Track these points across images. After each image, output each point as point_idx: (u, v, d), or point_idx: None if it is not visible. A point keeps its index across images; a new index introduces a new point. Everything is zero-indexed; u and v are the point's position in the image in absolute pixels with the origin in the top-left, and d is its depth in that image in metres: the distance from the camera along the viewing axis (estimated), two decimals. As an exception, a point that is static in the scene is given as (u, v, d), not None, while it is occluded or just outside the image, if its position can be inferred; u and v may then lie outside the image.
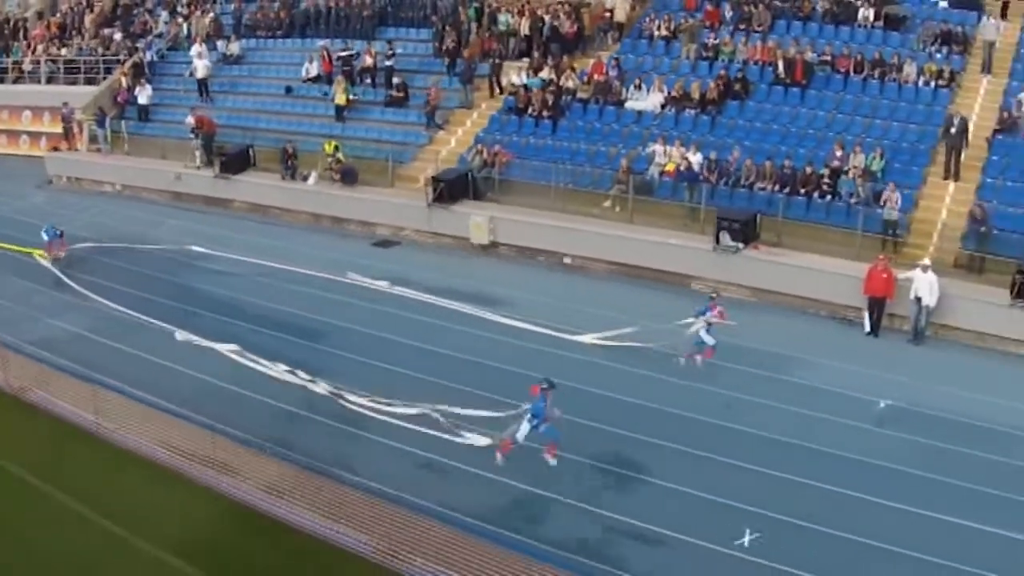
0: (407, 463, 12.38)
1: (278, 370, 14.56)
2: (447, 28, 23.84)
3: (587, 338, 15.79)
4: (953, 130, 18.71)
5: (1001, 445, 12.98)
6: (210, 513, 11.35)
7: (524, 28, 23.27)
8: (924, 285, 16.27)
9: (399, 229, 20.82)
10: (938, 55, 21.21)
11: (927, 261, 16.38)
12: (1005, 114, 19.76)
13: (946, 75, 20.49)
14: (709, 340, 15.15)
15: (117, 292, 17.91)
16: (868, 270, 16.45)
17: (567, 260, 19.24)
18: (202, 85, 25.71)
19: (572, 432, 12.44)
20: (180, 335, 15.91)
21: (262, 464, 11.64)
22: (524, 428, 12.34)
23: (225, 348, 15.30)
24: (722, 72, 21.25)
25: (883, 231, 17.79)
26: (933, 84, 20.38)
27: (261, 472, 11.56)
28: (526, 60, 22.99)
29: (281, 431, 12.97)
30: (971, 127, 19.60)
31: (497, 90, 22.85)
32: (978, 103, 20.47)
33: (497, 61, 23.10)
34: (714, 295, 15.90)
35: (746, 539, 10.82)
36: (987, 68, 21.14)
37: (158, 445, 12.28)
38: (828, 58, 21.28)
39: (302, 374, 14.47)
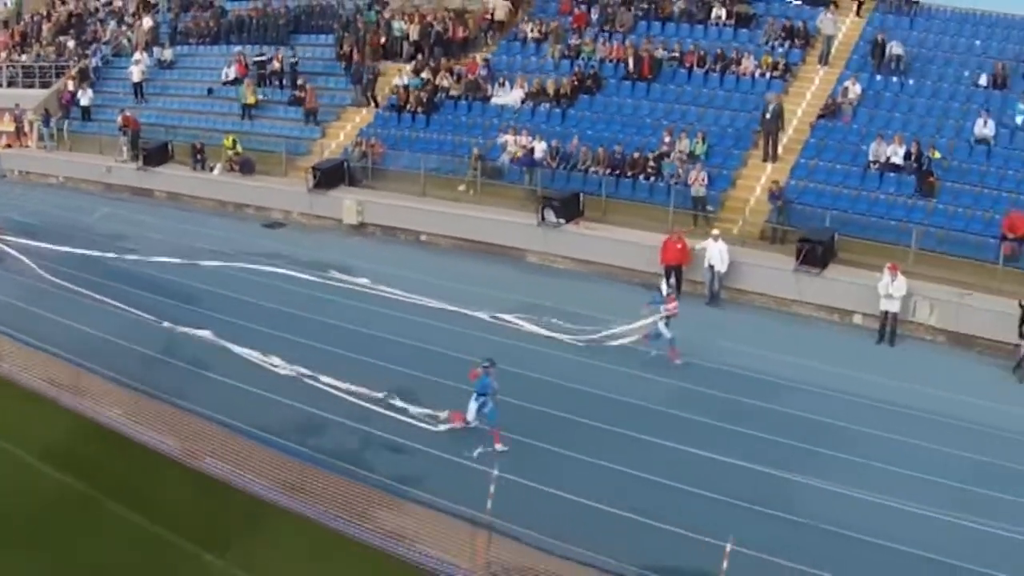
0: (234, 395, 13.94)
1: (163, 325, 16.14)
2: (346, 34, 25.76)
3: (429, 302, 17.29)
4: (768, 116, 20.29)
5: (772, 394, 14.29)
6: (69, 427, 13.26)
7: (414, 34, 25.12)
8: (715, 253, 17.98)
9: (288, 212, 22.77)
10: (780, 49, 22.76)
11: (717, 232, 18.07)
12: (830, 100, 21.39)
13: (781, 67, 22.13)
14: (667, 333, 15.32)
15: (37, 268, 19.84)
16: (664, 241, 18.10)
17: (423, 237, 21.10)
18: (138, 88, 27.90)
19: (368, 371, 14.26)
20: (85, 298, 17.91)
21: (113, 392, 13.44)
22: (472, 407, 12.80)
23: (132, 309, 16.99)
24: (577, 69, 22.96)
25: (694, 207, 19.51)
26: (768, 75, 21.93)
27: (112, 398, 13.35)
28: (414, 62, 24.61)
29: (144, 371, 14.50)
30: (799, 113, 21.10)
31: (371, 98, 24.13)
32: (811, 92, 21.91)
33: (374, 65, 24.52)
34: (670, 289, 16.13)
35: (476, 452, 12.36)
36: (824, 60, 22.62)
37: (37, 377, 14.27)
38: (677, 54, 22.96)
39: (185, 328, 16.06)
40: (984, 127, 20.06)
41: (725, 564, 9.24)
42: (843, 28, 23.37)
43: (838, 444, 13.21)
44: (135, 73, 27.96)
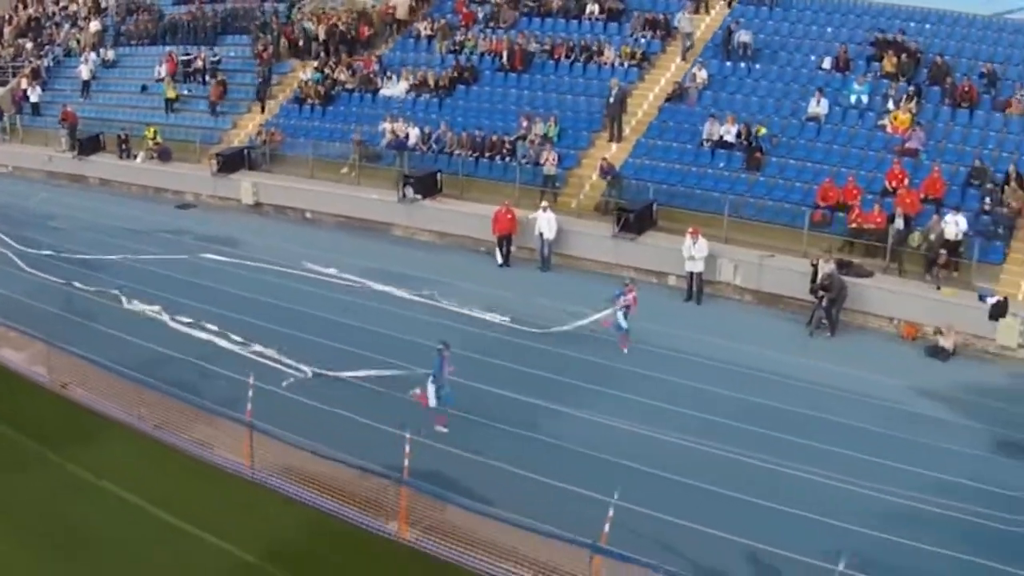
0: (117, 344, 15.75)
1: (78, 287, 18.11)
2: (260, 36, 27.69)
3: (306, 269, 19.29)
4: (612, 100, 21.82)
5: (580, 344, 15.86)
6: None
7: (322, 33, 26.87)
8: (544, 223, 19.60)
9: (198, 195, 24.64)
10: (642, 40, 24.32)
11: (545, 204, 19.69)
12: (677, 85, 22.90)
13: (639, 56, 23.64)
14: (624, 324, 15.96)
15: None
16: (495, 213, 19.72)
17: (308, 215, 22.88)
18: (86, 85, 29.90)
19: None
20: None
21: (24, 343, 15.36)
22: (430, 390, 13.23)
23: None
24: (456, 62, 24.59)
25: (543, 184, 21.05)
26: (626, 65, 23.50)
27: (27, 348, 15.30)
28: (318, 59, 26.37)
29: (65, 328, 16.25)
30: (650, 98, 22.50)
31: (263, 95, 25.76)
32: (664, 79, 23.34)
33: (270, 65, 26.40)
34: (628, 281, 16.63)
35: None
36: (683, 56, 23.80)
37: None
38: (548, 47, 24.55)
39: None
40: (816, 106, 21.50)
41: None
42: (706, 21, 24.61)
43: (620, 385, 14.83)
44: (84, 72, 29.96)
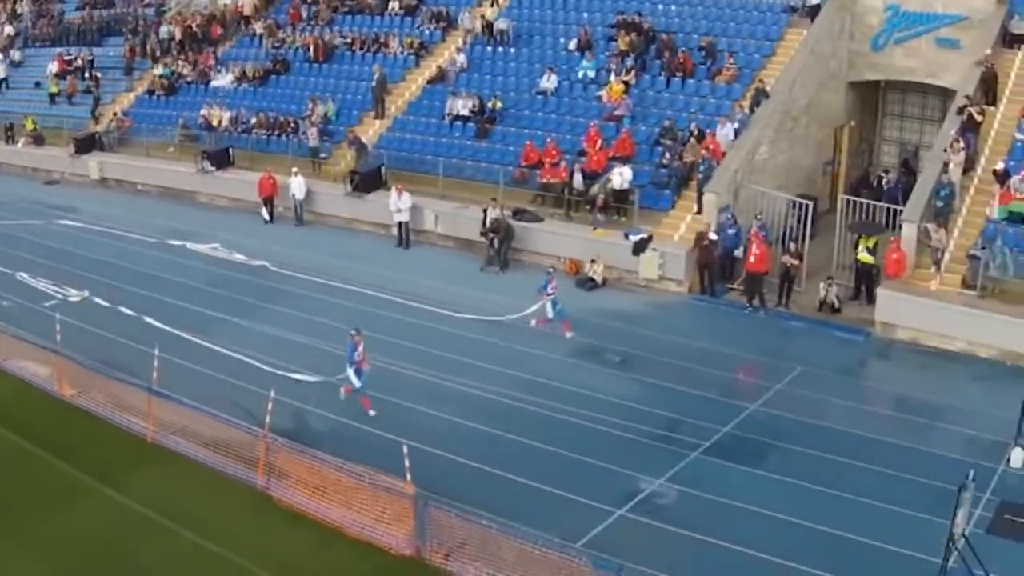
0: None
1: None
2: (130, 38, 31.96)
3: (131, 233, 23.41)
4: (375, 83, 25.43)
5: (322, 289, 19.62)
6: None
7: (178, 35, 30.99)
8: (296, 186, 23.40)
9: (62, 173, 28.94)
10: (426, 31, 27.85)
11: (295, 169, 23.49)
12: (438, 68, 26.18)
13: (417, 45, 27.16)
14: (551, 313, 17.58)
15: None
16: (259, 179, 23.64)
17: (139, 187, 27.13)
18: (3, 83, 34.10)
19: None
20: None
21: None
22: (351, 374, 14.73)
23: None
24: (273, 56, 28.31)
25: (311, 156, 24.86)
26: (406, 53, 27.07)
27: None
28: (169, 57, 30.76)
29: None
30: (420, 81, 25.81)
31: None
32: (436, 64, 26.50)
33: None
34: (550, 270, 18.27)
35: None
36: (464, 41, 27.31)
37: None
38: (349, 40, 28.26)
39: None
40: (547, 81, 24.91)
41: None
42: (488, 13, 27.88)
43: (290, 304, 18.51)
44: (0, 71, 34.76)
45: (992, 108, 22.25)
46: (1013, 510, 12.80)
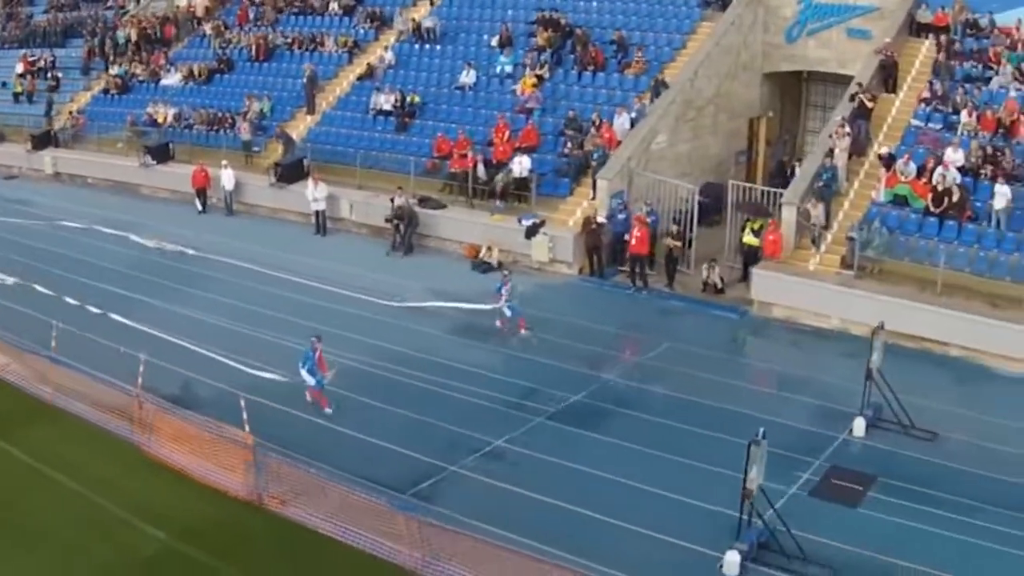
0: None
1: None
2: (89, 39, 33.72)
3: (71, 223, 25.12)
4: (306, 81, 27.03)
5: (233, 272, 21.17)
6: None
7: (134, 36, 32.70)
8: (225, 178, 25.11)
9: (20, 168, 30.59)
10: (361, 30, 29.39)
11: (226, 162, 25.16)
12: (368, 65, 27.56)
13: (350, 44, 28.72)
14: (507, 312, 18.41)
15: None
16: (192, 171, 25.36)
17: (89, 180, 28.92)
18: None
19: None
20: None
21: None
22: (307, 378, 15.34)
23: None
24: (219, 56, 30.05)
25: (244, 150, 26.50)
26: (339, 52, 28.69)
27: None
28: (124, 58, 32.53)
29: None
30: (351, 77, 27.18)
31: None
32: (368, 61, 28.09)
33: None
34: (505, 273, 19.04)
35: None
36: (397, 40, 28.91)
37: None
38: (289, 40, 29.87)
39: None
40: (466, 76, 26.40)
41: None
42: (421, 12, 29.30)
43: (204, 287, 20.08)
44: (-28, 70, 37.08)
45: (892, 95, 23.77)
46: (841, 475, 13.89)
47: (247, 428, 13.01)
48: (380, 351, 17.28)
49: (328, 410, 15.18)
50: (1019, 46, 23.55)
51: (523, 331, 18.37)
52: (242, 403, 13.21)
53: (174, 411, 14.33)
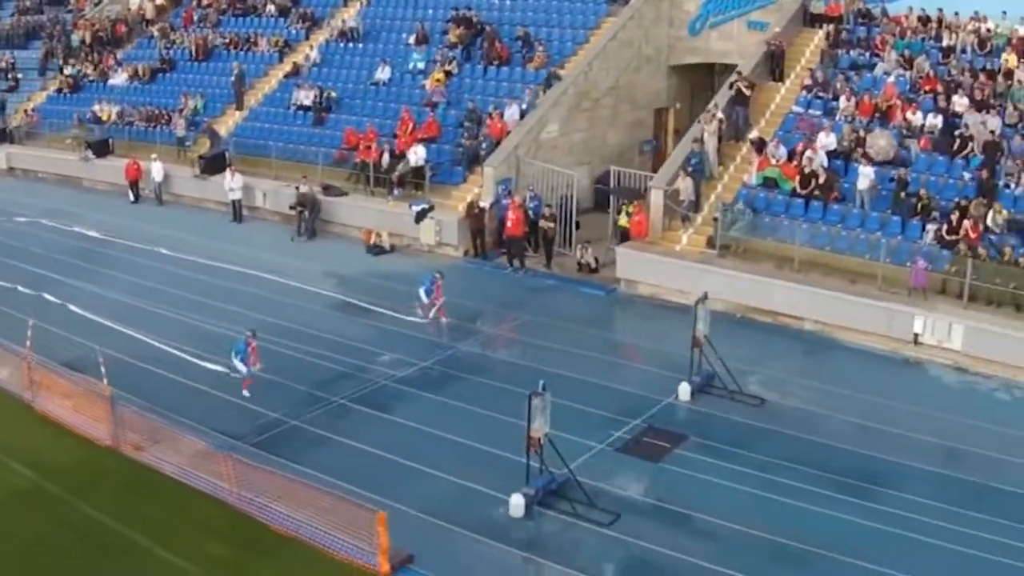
0: None
1: None
2: (47, 41, 36.23)
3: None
4: (234, 79, 29.17)
5: (155, 257, 23.19)
6: None
7: (88, 38, 35.08)
8: (155, 170, 27.31)
9: (-21, 165, 33.72)
10: (293, 31, 31.49)
11: (155, 155, 27.41)
12: (293, 64, 29.80)
13: (281, 44, 30.82)
14: (424, 298, 19.36)
15: None
16: (126, 164, 27.67)
17: (40, 175, 31.42)
18: None
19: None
20: None
21: None
22: (237, 363, 16.44)
23: None
24: (162, 56, 32.33)
25: (178, 144, 28.72)
26: (271, 51, 30.86)
27: None
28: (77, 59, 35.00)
29: None
30: (280, 75, 29.55)
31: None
32: (296, 60, 30.35)
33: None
34: (438, 273, 19.62)
35: None
36: (325, 40, 31.12)
37: None
38: (227, 40, 31.99)
39: None
40: (382, 73, 28.43)
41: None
42: (350, 12, 31.50)
43: (121, 269, 22.03)
44: (-56, 72, 39.65)
45: (778, 84, 25.40)
46: (654, 434, 15.22)
47: (105, 381, 15.16)
48: (267, 325, 18.62)
49: (246, 393, 16.30)
50: (907, 34, 25.37)
51: (443, 319, 19.30)
52: (100, 359, 15.35)
53: (59, 371, 16.22)
